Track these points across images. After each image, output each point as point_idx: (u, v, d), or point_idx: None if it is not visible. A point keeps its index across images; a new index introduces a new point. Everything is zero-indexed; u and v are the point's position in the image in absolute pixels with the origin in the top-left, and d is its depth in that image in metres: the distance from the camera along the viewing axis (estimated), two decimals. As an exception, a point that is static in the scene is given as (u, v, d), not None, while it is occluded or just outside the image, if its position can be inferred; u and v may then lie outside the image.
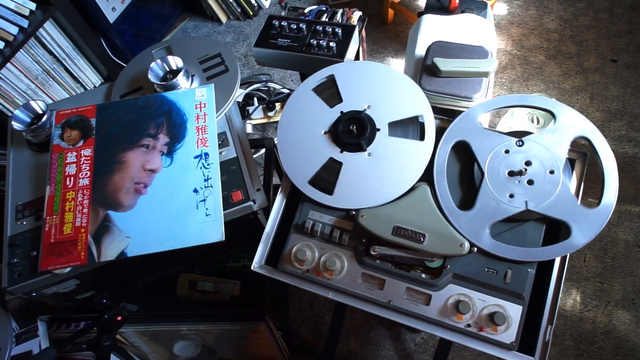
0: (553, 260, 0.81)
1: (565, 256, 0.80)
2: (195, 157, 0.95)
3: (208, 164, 0.95)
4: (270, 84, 1.87)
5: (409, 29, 2.05)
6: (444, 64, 1.20)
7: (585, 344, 1.34)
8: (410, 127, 0.90)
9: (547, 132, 0.84)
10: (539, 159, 0.83)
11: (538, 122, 1.49)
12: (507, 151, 0.84)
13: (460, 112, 1.25)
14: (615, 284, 1.42)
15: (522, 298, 0.79)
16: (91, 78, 1.89)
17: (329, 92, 0.93)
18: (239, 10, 2.13)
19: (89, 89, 1.89)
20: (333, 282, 0.85)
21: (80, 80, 1.84)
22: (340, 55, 1.06)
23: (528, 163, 0.83)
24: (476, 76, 1.21)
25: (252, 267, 0.89)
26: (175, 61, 1.04)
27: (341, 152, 0.89)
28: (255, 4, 2.16)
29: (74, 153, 0.98)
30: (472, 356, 1.37)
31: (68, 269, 0.90)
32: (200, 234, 0.89)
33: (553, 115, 0.85)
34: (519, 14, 2.00)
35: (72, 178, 0.96)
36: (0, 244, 0.97)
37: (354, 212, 0.85)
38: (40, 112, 1.04)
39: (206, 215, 0.90)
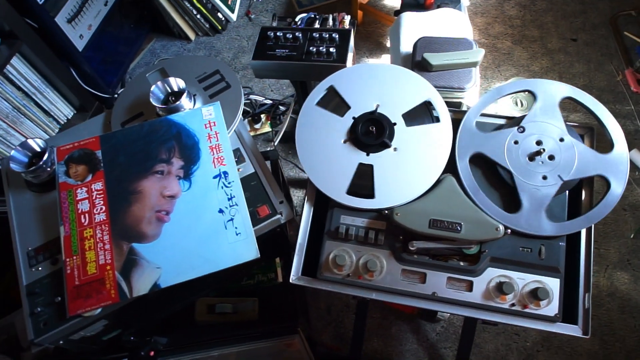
0: (579, 232, 0.85)
1: (591, 227, 0.85)
2: (215, 177, 0.94)
3: (229, 183, 0.93)
4: (252, 97, 1.86)
5: (380, 28, 2.10)
6: (435, 59, 1.24)
7: (593, 308, 1.42)
8: (422, 113, 0.92)
9: (536, 108, 0.89)
10: (544, 134, 0.87)
11: (522, 104, 1.56)
12: (515, 142, 0.87)
13: (455, 103, 1.30)
14: (610, 247, 1.51)
15: (558, 271, 0.82)
16: (63, 110, 1.81)
17: (335, 103, 0.94)
18: (207, 25, 2.10)
19: (62, 122, 1.81)
20: (375, 283, 0.86)
21: (52, 113, 1.76)
22: (341, 60, 1.07)
23: (539, 142, 0.87)
24: (466, 67, 1.26)
25: (290, 280, 0.89)
26: (177, 82, 1.01)
27: (367, 155, 0.90)
28: (223, 18, 2.14)
29: (84, 188, 0.94)
30: (491, 336, 1.41)
31: (99, 310, 0.85)
32: (234, 254, 0.87)
33: (532, 92, 0.90)
34: (481, 4, 2.09)
35: (86, 215, 0.92)
36: (17, 295, 0.91)
37: (386, 212, 0.86)
38: (39, 150, 0.99)
39: (236, 234, 0.89)
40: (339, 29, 1.11)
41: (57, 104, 1.77)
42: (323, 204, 0.93)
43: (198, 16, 2.05)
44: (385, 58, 2.00)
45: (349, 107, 0.94)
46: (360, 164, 0.89)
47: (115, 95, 1.96)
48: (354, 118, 0.93)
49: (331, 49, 1.07)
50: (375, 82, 0.95)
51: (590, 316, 0.81)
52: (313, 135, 0.93)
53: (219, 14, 2.12)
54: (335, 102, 0.95)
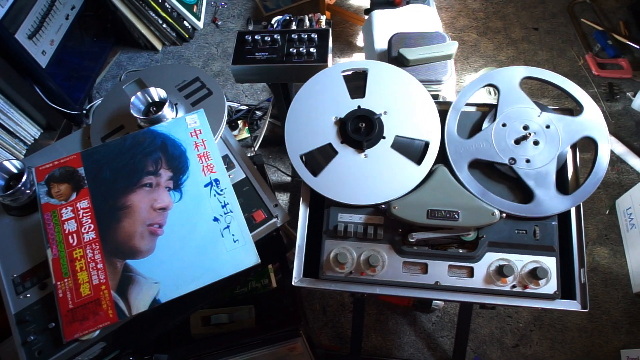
0: (569, 211, 0.88)
1: (579, 205, 0.88)
2: (206, 185, 0.92)
3: (221, 190, 0.91)
4: (227, 104, 1.83)
5: (349, 28, 2.12)
6: (411, 54, 1.25)
7: (578, 284, 1.47)
8: (413, 147, 0.91)
9: (568, 118, 0.90)
10: (545, 134, 0.89)
11: (495, 93, 1.60)
12: (524, 115, 0.91)
13: (433, 95, 1.32)
14: (588, 225, 1.57)
15: (554, 250, 0.85)
16: (29, 130, 1.73)
17: (319, 154, 0.92)
18: (174, 35, 2.06)
19: (28, 143, 1.73)
20: (378, 278, 0.86)
21: (18, 134, 1.68)
22: (322, 60, 1.07)
23: (526, 127, 0.89)
24: (441, 60, 1.28)
25: (293, 283, 0.88)
26: (157, 92, 0.99)
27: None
28: (189, 26, 2.10)
29: (69, 208, 0.90)
30: (485, 321, 1.44)
31: (97, 332, 0.82)
32: (234, 262, 0.86)
33: (580, 106, 0.91)
34: (445, -1, 2.14)
35: (74, 235, 0.88)
36: (2, 325, 0.87)
37: (383, 206, 0.87)
38: (16, 171, 0.94)
39: (234, 241, 0.87)
40: (318, 29, 1.11)
41: (23, 124, 1.69)
42: (317, 204, 0.92)
43: (164, 25, 2.01)
44: (357, 57, 2.02)
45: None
46: (330, 145, 0.91)
47: (84, 112, 1.89)
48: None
49: (311, 49, 1.07)
50: (400, 93, 0.95)
51: (587, 290, 0.84)
52: (316, 94, 0.93)
53: (185, 22, 2.08)
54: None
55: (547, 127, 0.90)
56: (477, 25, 2.05)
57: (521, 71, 0.96)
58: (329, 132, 0.92)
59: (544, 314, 1.44)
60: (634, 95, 1.78)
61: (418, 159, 0.90)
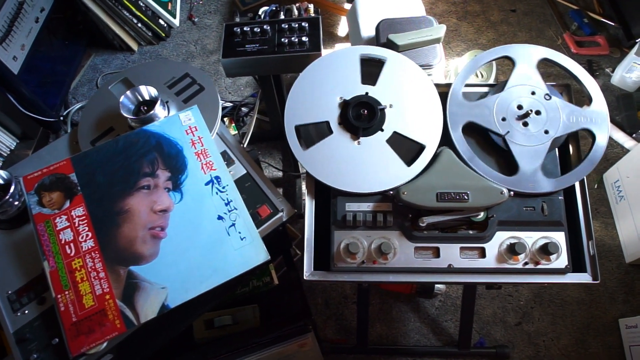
0: (574, 185, 0.89)
1: (583, 179, 0.89)
2: (207, 183, 0.88)
3: (223, 187, 0.88)
4: (211, 101, 1.78)
5: (328, 18, 2.09)
6: (400, 39, 1.24)
7: (573, 259, 1.50)
8: (408, 148, 0.89)
9: (575, 108, 0.90)
10: (548, 117, 0.89)
11: (482, 76, 1.62)
12: (532, 94, 0.92)
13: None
14: (579, 200, 1.59)
15: (562, 224, 0.86)
16: (4, 141, 1.65)
17: (368, 70, 0.92)
18: (149, 34, 2.00)
19: (4, 154, 1.65)
20: (390, 265, 0.85)
21: (-7, 147, 1.60)
22: (315, 48, 1.05)
23: (521, 107, 0.90)
24: (430, 44, 1.28)
25: (304, 277, 0.86)
26: (148, 91, 0.95)
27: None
28: (165, 25, 2.04)
29: (64, 216, 0.85)
30: (487, 302, 1.45)
31: (105, 344, 0.78)
32: (243, 260, 0.83)
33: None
34: (423, -15, 2.13)
35: (71, 244, 0.83)
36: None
37: (392, 192, 0.86)
38: (2, 182, 0.89)
39: (241, 239, 0.84)
40: (308, 18, 1.08)
41: (-3, 135, 1.61)
42: (321, 197, 0.91)
43: (139, 25, 1.94)
44: (340, 46, 2.00)
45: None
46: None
47: (61, 118, 1.81)
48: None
49: (303, 38, 1.05)
50: (412, 91, 0.93)
51: (597, 262, 0.85)
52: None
53: (161, 21, 2.02)
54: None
55: (552, 111, 0.90)
56: (455, 10, 2.06)
57: (541, 51, 0.95)
58: (330, 111, 0.91)
59: (543, 291, 1.46)
60: (613, 71, 1.82)
61: (409, 160, 0.88)
